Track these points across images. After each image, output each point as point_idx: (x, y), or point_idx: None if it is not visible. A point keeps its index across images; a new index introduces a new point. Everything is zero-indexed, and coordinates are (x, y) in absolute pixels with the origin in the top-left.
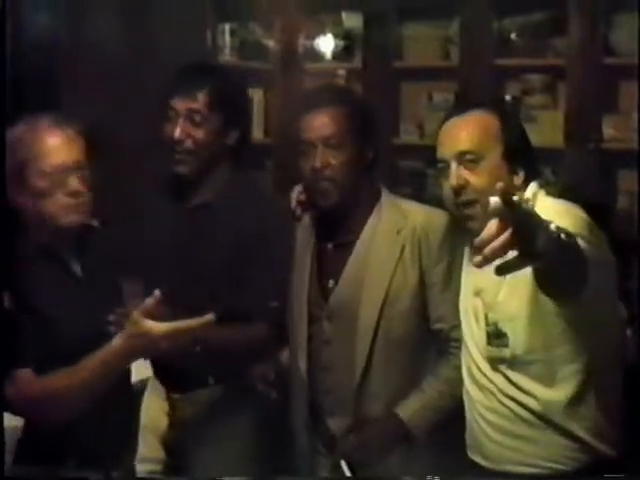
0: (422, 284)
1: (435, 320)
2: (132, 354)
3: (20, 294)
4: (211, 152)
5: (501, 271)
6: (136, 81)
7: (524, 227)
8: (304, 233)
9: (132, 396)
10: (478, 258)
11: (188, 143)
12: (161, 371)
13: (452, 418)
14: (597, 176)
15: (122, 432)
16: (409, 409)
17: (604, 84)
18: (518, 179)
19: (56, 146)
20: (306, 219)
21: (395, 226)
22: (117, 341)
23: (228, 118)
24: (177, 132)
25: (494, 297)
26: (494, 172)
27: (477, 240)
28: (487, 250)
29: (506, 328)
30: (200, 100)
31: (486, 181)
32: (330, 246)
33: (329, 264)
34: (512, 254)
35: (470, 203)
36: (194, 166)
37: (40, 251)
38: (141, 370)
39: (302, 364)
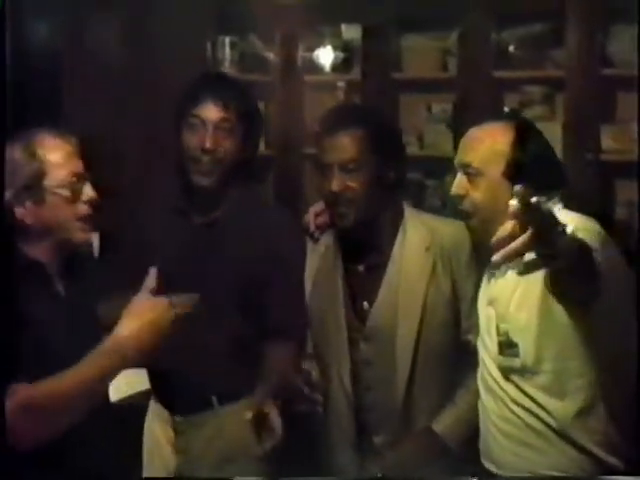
0: (455, 296)
1: (465, 331)
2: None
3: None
4: (233, 164)
5: (522, 272)
6: (137, 94)
7: (543, 229)
8: (329, 255)
9: (111, 415)
10: (496, 256)
11: (218, 153)
12: (161, 392)
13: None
14: (596, 187)
15: (106, 453)
16: (443, 423)
17: (602, 95)
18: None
19: (69, 155)
20: (329, 240)
21: (422, 243)
22: (120, 327)
23: (248, 130)
24: (208, 142)
25: (506, 307)
26: (493, 189)
27: (494, 240)
28: (506, 250)
29: (517, 338)
30: (231, 108)
31: (483, 196)
32: (361, 268)
33: (361, 286)
34: (531, 255)
35: (468, 214)
36: (216, 178)
37: (29, 266)
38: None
39: (347, 384)
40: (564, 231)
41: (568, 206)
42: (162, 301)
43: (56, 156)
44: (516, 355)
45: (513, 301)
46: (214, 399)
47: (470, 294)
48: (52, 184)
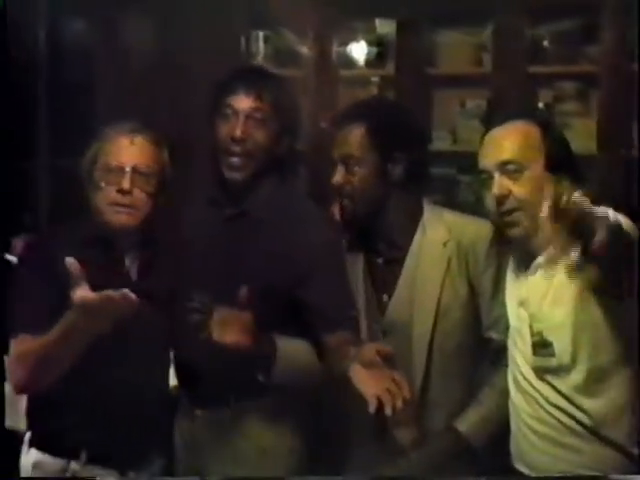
0: (472, 294)
1: (487, 327)
2: (68, 323)
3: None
4: (266, 158)
5: (571, 272)
6: (170, 89)
7: (582, 225)
8: (351, 247)
9: (157, 400)
10: (541, 259)
11: (248, 144)
12: (185, 384)
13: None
14: (629, 183)
15: (142, 433)
16: (468, 422)
17: (636, 91)
18: (561, 188)
19: (120, 147)
20: (351, 233)
21: (440, 239)
22: (58, 325)
23: (284, 124)
24: (238, 131)
25: (539, 307)
26: (537, 182)
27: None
28: (550, 252)
29: (552, 337)
30: (264, 99)
31: (528, 191)
32: (380, 261)
33: (381, 279)
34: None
35: (512, 211)
36: (248, 171)
37: (95, 240)
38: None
39: None
40: (606, 219)
41: (598, 202)
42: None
43: (110, 145)
44: (551, 354)
45: (547, 300)
46: (231, 398)
47: (489, 291)
48: (98, 167)
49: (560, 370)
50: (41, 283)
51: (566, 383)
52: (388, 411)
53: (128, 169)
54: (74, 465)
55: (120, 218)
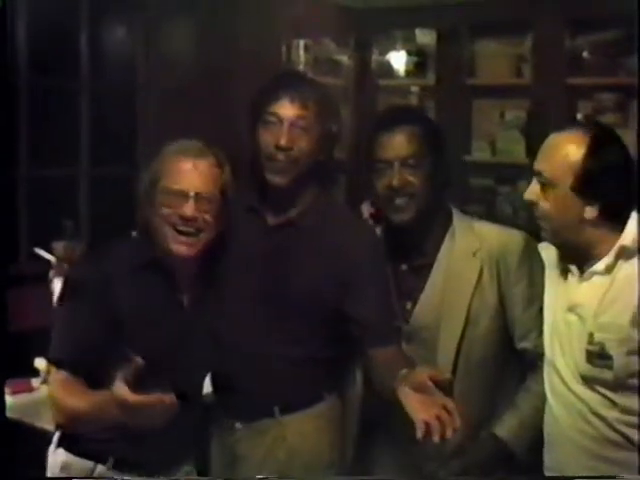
0: (502, 305)
1: (519, 338)
2: (102, 413)
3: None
4: (308, 164)
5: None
6: (212, 96)
7: None
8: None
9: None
10: None
11: (293, 152)
12: (223, 398)
13: None
14: None
15: (172, 440)
16: (506, 428)
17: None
18: (591, 211)
19: (185, 171)
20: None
21: (470, 248)
22: (102, 395)
23: (325, 132)
24: (283, 139)
25: (593, 314)
26: (562, 201)
27: None
28: None
29: (612, 351)
30: (309, 107)
31: (551, 207)
32: (405, 267)
33: (404, 286)
34: None
35: (540, 219)
36: (291, 175)
37: (150, 264)
38: None
39: None
40: None
41: None
42: (128, 399)
43: (175, 166)
44: (609, 367)
45: (605, 309)
46: (276, 409)
47: (521, 303)
48: (160, 189)
49: (615, 384)
50: (89, 311)
51: (616, 396)
52: (436, 439)
53: (192, 195)
54: (101, 468)
55: (180, 249)
